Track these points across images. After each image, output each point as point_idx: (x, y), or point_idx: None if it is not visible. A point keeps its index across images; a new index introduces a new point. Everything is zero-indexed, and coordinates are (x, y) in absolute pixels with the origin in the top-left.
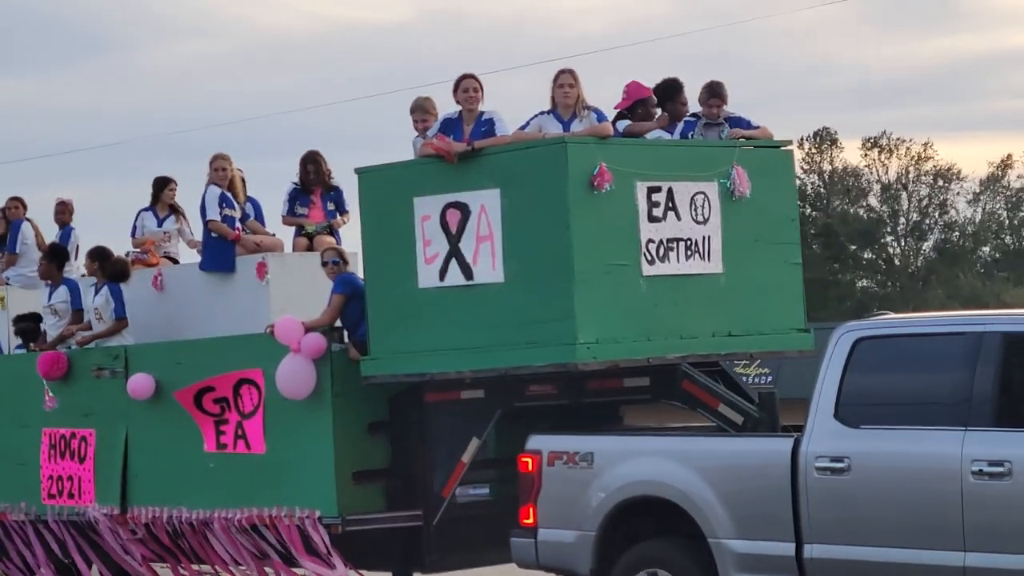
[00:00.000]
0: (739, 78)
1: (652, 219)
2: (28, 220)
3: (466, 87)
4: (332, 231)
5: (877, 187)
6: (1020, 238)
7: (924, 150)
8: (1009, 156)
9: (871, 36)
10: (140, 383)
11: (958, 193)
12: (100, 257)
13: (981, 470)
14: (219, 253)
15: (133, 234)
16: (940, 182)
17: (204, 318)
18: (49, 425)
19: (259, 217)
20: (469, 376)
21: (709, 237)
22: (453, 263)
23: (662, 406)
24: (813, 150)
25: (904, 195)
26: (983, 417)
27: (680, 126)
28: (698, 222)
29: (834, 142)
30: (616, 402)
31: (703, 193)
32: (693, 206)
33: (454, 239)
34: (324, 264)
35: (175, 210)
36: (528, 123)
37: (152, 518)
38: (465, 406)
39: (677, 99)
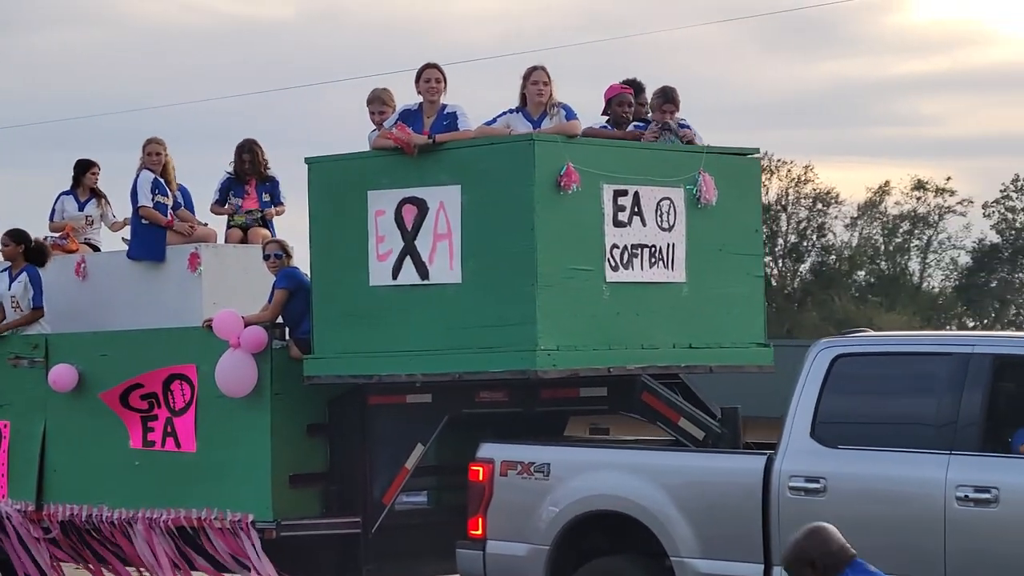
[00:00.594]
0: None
1: (617, 223)
2: None
3: (428, 77)
4: (265, 222)
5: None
6: (895, 264)
7: (804, 173)
8: (887, 182)
9: (758, 57)
10: (62, 374)
11: (836, 217)
12: (22, 239)
13: (967, 496)
14: (149, 241)
15: (52, 218)
16: (819, 205)
17: (130, 309)
18: None
19: (189, 205)
20: (420, 380)
21: (673, 245)
22: (408, 261)
23: (618, 418)
24: None
25: (783, 216)
26: (969, 441)
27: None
28: (663, 229)
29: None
30: (568, 412)
31: (669, 199)
32: (659, 212)
33: (409, 236)
34: (266, 257)
35: (96, 194)
36: (495, 120)
37: (70, 515)
38: (410, 410)
39: (637, 100)
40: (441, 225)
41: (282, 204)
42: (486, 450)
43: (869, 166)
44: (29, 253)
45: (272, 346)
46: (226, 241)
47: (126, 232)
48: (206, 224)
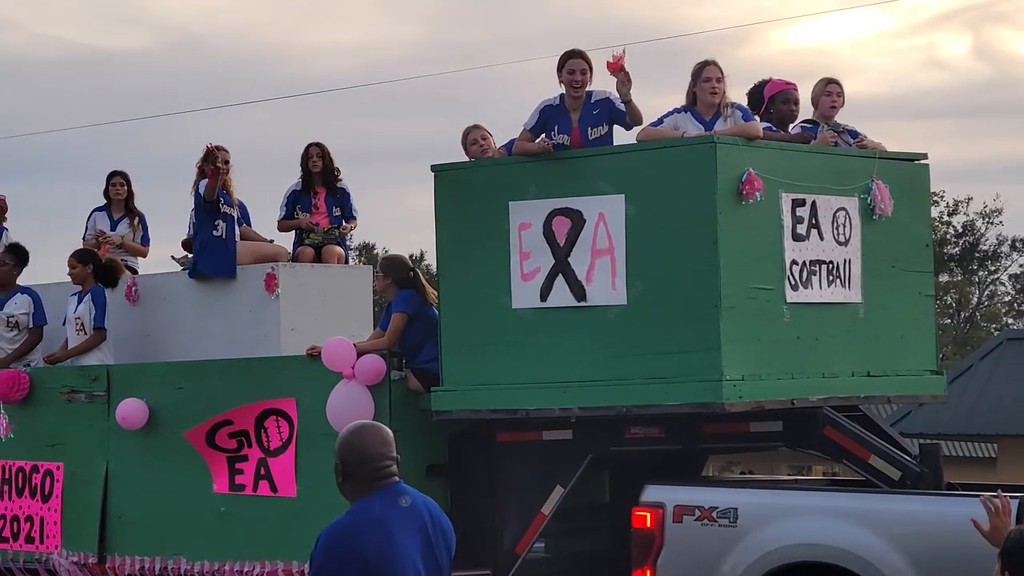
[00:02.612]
0: (488, 121)
1: (796, 237)
2: None
3: (572, 68)
4: (339, 240)
5: None
6: None
7: None
8: None
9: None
10: (132, 410)
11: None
12: (89, 259)
13: None
14: (221, 256)
15: (84, 236)
16: None
17: (192, 336)
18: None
19: (247, 221)
20: (576, 414)
21: (849, 261)
22: (559, 281)
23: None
24: None
25: None
26: None
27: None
28: (839, 243)
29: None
30: (734, 448)
31: (844, 209)
32: (835, 224)
33: (562, 252)
34: (396, 281)
35: (132, 212)
36: (661, 120)
37: (140, 568)
38: (547, 449)
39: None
40: (601, 239)
41: (354, 219)
42: (653, 493)
43: None
44: (98, 273)
45: (390, 377)
46: (294, 260)
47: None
48: (271, 240)
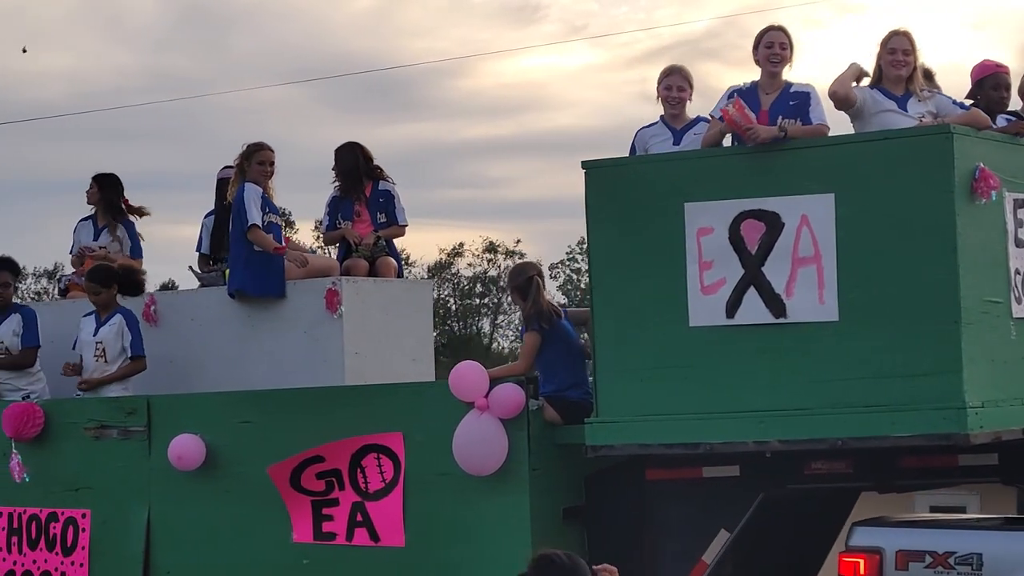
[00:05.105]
0: (198, 152)
1: (1018, 243)
2: None
3: (770, 41)
4: (389, 248)
5: None
6: (467, 325)
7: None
8: (461, 244)
9: (331, 119)
10: (189, 449)
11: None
12: (114, 278)
13: None
14: (265, 272)
15: (71, 251)
16: None
17: (227, 362)
18: (4, 503)
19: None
20: (776, 447)
21: None
22: (751, 294)
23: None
24: None
25: None
26: None
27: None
28: None
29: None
30: (935, 484)
31: None
32: None
33: (754, 261)
34: (516, 290)
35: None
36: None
37: None
38: (707, 488)
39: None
40: (804, 246)
41: (405, 224)
42: (866, 536)
43: (443, 228)
44: (128, 286)
45: (528, 407)
46: (345, 274)
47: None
48: (314, 250)
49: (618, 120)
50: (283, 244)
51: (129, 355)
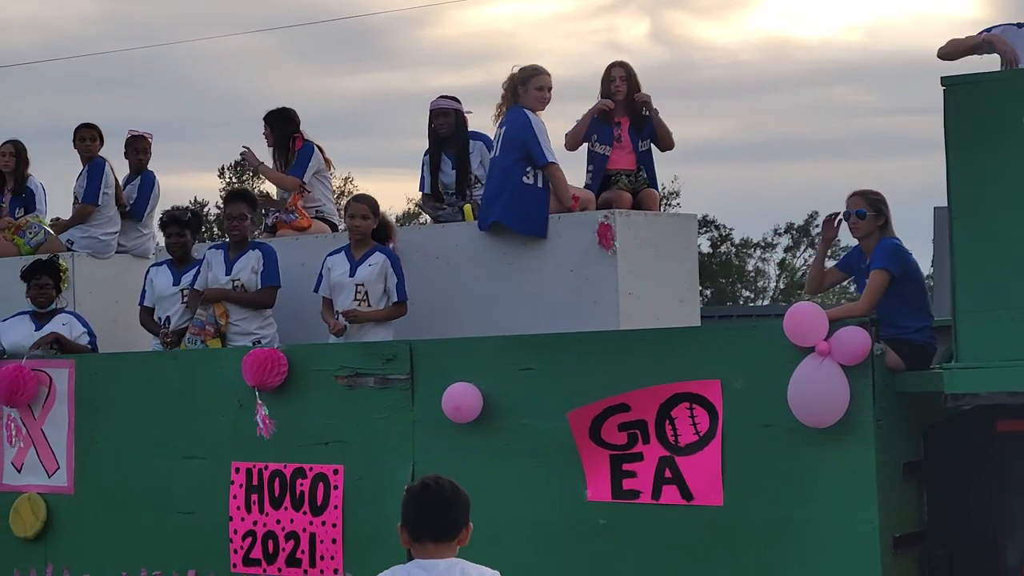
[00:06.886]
0: (165, 101)
1: None
2: (106, 160)
3: None
4: (650, 179)
5: None
6: None
7: (345, 184)
8: None
9: (298, 69)
10: (467, 399)
11: None
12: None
13: None
14: (531, 209)
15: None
16: None
17: (474, 304)
18: (243, 457)
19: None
20: None
21: None
22: None
23: None
24: (234, 180)
25: None
26: None
27: None
28: None
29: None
30: None
31: None
32: None
33: None
34: (847, 218)
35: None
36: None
37: None
38: None
39: None
40: None
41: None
42: None
43: (411, 178)
44: (380, 229)
45: (873, 352)
46: (604, 207)
47: None
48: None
49: (585, 70)
50: (574, 199)
51: (394, 299)
